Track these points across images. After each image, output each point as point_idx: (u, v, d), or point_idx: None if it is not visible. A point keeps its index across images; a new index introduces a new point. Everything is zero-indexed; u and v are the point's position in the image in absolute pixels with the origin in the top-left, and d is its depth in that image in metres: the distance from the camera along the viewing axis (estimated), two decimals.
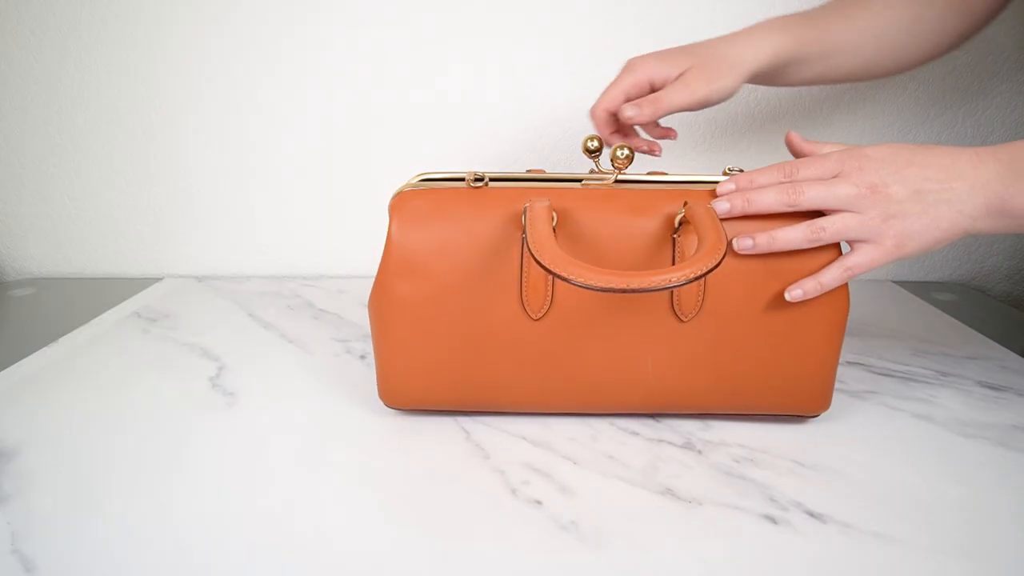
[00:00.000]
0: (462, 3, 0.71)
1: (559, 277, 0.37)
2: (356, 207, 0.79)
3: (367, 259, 0.81)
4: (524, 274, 0.44)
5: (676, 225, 0.43)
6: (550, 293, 0.44)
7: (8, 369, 0.57)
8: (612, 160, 0.45)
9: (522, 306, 0.44)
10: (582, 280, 0.36)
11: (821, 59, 0.55)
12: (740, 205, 0.43)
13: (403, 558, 0.35)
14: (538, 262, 0.37)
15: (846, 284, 0.44)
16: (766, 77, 0.55)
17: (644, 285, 0.36)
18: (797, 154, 0.47)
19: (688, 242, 0.43)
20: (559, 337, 0.45)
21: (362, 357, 0.59)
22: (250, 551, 0.36)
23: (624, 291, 0.36)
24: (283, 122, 0.76)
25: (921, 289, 0.77)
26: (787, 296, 0.43)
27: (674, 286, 0.36)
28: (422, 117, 0.76)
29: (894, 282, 0.79)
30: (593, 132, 0.52)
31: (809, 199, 0.42)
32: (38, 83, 0.75)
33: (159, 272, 0.83)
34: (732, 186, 0.44)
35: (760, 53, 0.52)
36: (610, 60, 0.73)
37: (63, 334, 0.64)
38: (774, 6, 0.70)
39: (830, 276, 0.43)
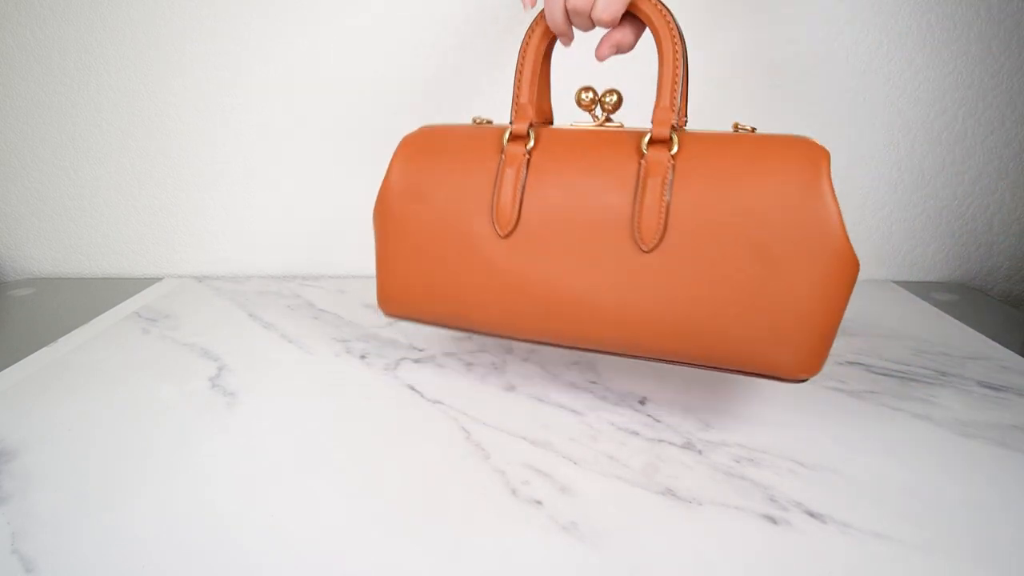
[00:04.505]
0: (466, 9, 0.71)
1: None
2: (356, 207, 0.79)
3: (367, 259, 0.81)
4: (496, 190, 0.47)
5: (643, 151, 0.44)
6: (517, 209, 0.46)
7: (8, 369, 0.57)
8: (600, 104, 0.48)
9: (493, 224, 0.47)
10: None
11: None
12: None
13: (403, 558, 0.35)
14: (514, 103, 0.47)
15: (851, 246, 0.40)
16: None
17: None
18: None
19: (655, 156, 0.43)
20: (524, 257, 0.46)
21: (362, 357, 0.59)
22: (249, 551, 0.36)
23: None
24: (283, 122, 0.76)
25: (921, 289, 0.77)
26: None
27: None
28: (423, 117, 0.76)
29: (894, 282, 0.79)
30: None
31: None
32: (38, 83, 0.75)
33: (159, 272, 0.83)
34: None
35: None
36: None
37: (63, 334, 0.64)
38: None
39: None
